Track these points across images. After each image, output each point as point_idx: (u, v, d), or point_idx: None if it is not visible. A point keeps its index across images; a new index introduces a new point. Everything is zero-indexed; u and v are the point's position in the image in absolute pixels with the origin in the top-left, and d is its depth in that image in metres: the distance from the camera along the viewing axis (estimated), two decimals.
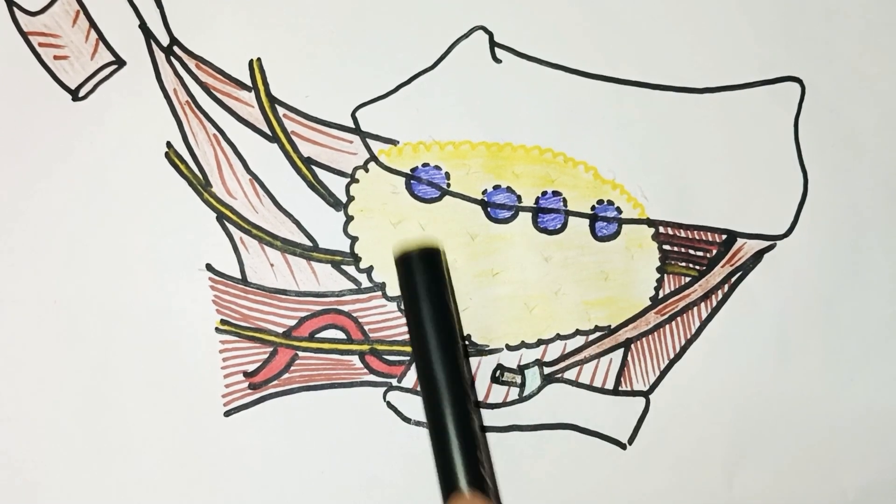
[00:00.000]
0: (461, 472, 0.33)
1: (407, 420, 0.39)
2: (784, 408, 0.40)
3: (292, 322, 0.39)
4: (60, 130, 0.39)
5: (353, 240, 0.39)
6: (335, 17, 0.39)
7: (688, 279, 0.40)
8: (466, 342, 0.39)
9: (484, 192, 0.40)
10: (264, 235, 0.39)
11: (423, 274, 0.36)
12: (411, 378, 0.39)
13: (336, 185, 0.39)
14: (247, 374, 0.39)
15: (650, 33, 0.41)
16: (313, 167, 0.39)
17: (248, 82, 0.39)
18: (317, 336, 0.39)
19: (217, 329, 0.39)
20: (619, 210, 0.40)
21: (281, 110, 0.39)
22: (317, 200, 0.39)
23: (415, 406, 0.39)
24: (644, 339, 0.40)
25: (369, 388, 0.39)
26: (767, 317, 0.40)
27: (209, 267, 0.39)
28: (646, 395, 0.40)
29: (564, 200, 0.40)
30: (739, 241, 0.41)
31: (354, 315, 0.39)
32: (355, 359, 0.39)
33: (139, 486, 0.38)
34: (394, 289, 0.39)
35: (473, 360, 0.39)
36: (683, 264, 0.40)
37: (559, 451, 0.39)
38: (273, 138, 0.39)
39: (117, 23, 0.39)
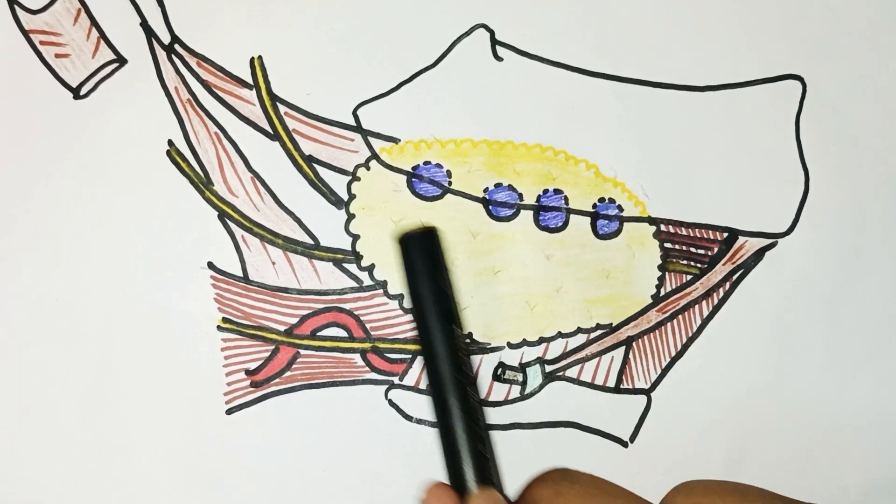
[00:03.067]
0: (469, 471, 0.33)
1: (409, 418, 0.39)
2: (786, 406, 0.40)
3: (294, 320, 0.39)
4: (62, 129, 0.39)
5: (355, 238, 0.39)
6: (336, 14, 0.39)
7: (689, 277, 0.40)
8: (468, 339, 0.39)
9: (485, 191, 0.40)
10: (266, 233, 0.39)
11: (420, 253, 0.35)
12: (413, 376, 0.39)
13: (337, 183, 0.39)
14: (248, 372, 0.39)
15: (651, 32, 0.41)
16: (315, 165, 0.39)
17: (250, 80, 0.39)
18: (318, 334, 0.39)
19: (219, 327, 0.39)
20: (620, 208, 0.40)
21: (282, 108, 0.39)
22: (318, 198, 0.39)
23: (416, 404, 0.39)
24: (645, 337, 0.40)
25: (371, 387, 0.39)
26: (769, 315, 0.40)
27: (211, 265, 0.39)
28: (647, 392, 0.40)
29: (566, 198, 0.40)
30: (741, 239, 0.41)
31: (356, 313, 0.39)
32: (357, 357, 0.39)
33: (141, 484, 0.38)
34: (395, 287, 0.39)
35: (475, 359, 0.39)
36: (685, 262, 0.40)
37: (560, 449, 0.39)
38: (274, 136, 0.39)
39: (118, 21, 0.39)
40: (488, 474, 0.32)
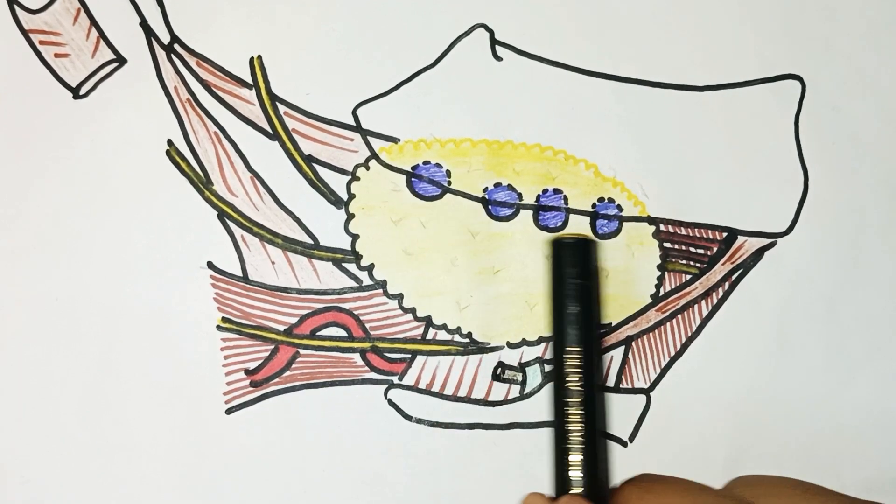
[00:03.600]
0: (577, 480, 0.34)
1: (408, 417, 0.39)
2: (785, 405, 0.40)
3: (293, 320, 0.39)
4: (61, 128, 0.39)
5: (354, 237, 0.39)
6: (336, 14, 0.40)
7: (688, 277, 0.40)
8: (469, 339, 0.39)
9: (485, 190, 0.40)
10: (265, 233, 0.39)
11: (573, 260, 0.36)
12: (412, 376, 0.39)
13: (337, 182, 0.39)
14: (248, 372, 0.39)
15: (651, 31, 0.41)
16: (314, 165, 0.39)
17: (249, 80, 0.39)
18: (318, 334, 0.39)
19: (218, 327, 0.39)
20: (619, 208, 0.40)
21: (282, 108, 0.39)
22: (318, 198, 0.39)
23: (415, 403, 0.39)
24: (645, 337, 0.40)
25: (370, 386, 0.39)
26: (768, 314, 0.40)
27: (210, 265, 0.39)
28: (646, 392, 0.40)
29: (565, 198, 0.40)
30: (740, 239, 0.41)
31: (355, 313, 0.39)
32: (356, 356, 0.39)
33: (141, 484, 0.38)
34: (394, 286, 0.39)
35: (474, 358, 0.39)
36: (684, 262, 0.40)
37: None
38: (274, 136, 0.39)
39: (118, 21, 0.39)
40: (590, 480, 0.34)
